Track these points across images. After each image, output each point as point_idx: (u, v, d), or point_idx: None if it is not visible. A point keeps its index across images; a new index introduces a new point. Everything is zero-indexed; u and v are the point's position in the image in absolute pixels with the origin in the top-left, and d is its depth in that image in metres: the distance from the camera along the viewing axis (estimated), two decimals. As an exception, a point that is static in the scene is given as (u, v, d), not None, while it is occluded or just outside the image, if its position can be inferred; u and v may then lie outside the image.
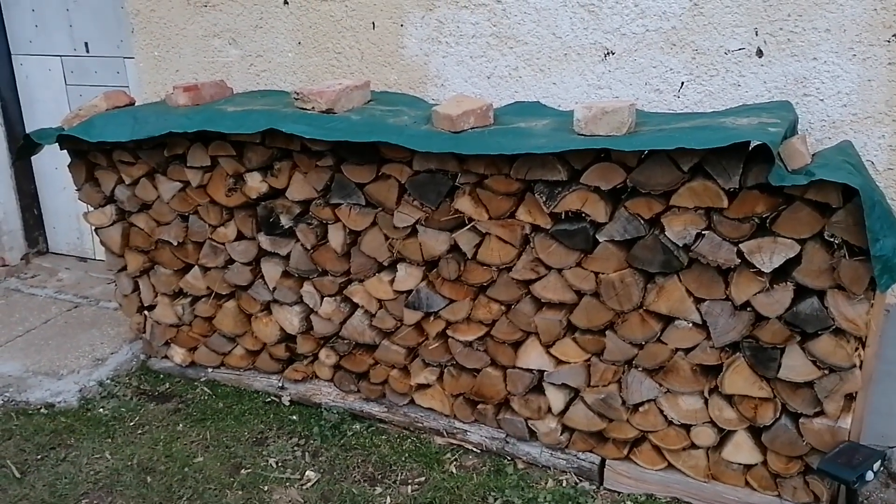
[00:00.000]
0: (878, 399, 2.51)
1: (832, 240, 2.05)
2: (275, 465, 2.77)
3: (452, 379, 2.76)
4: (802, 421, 2.27)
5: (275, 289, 2.95)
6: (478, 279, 2.54)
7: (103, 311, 3.89)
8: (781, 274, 2.15)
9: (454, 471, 2.71)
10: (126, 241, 3.19)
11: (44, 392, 3.21)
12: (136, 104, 3.16)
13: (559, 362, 2.54)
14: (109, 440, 2.93)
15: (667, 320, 2.35)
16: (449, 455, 2.79)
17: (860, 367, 2.16)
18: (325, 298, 2.88)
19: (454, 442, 2.85)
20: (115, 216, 3.15)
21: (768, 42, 2.49)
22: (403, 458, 2.78)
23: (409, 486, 2.64)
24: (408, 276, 2.67)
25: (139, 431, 2.99)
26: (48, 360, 3.43)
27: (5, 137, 4.30)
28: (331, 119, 2.57)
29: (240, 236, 2.95)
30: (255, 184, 2.80)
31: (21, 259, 4.48)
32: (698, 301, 2.27)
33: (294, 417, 3.04)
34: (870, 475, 2.14)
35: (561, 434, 2.64)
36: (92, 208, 3.18)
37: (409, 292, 2.68)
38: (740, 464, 2.42)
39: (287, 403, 3.13)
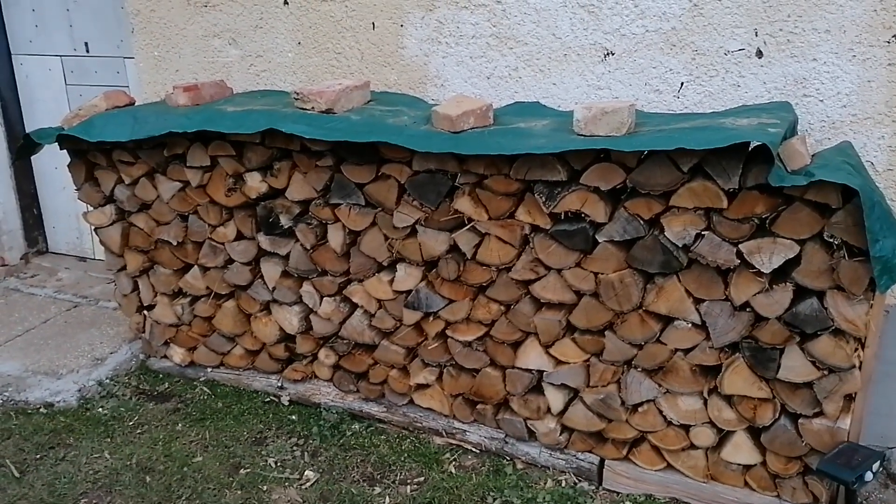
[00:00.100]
0: (878, 400, 2.51)
1: (832, 240, 2.05)
2: (274, 465, 2.76)
3: (452, 379, 2.76)
4: (802, 421, 2.27)
5: (274, 289, 2.95)
6: (477, 279, 2.54)
7: (103, 310, 3.89)
8: (781, 274, 2.15)
9: (453, 471, 2.71)
10: (125, 240, 3.19)
11: (43, 391, 3.21)
12: (136, 104, 3.16)
13: (558, 362, 2.54)
14: (108, 440, 2.93)
15: (666, 321, 2.35)
16: (448, 455, 2.79)
17: (859, 367, 2.16)
18: (324, 298, 2.88)
19: (453, 442, 2.85)
20: (115, 216, 3.15)
21: (768, 43, 2.49)
22: (402, 458, 2.78)
23: (408, 486, 2.64)
24: (407, 277, 2.67)
25: (138, 431, 2.99)
26: (47, 359, 3.43)
27: (5, 137, 4.30)
28: (330, 119, 2.57)
29: (239, 236, 2.95)
30: (255, 184, 2.80)
31: (20, 259, 4.48)
32: (698, 301, 2.27)
33: (293, 417, 3.04)
34: (869, 476, 2.14)
35: (560, 434, 2.64)
36: (91, 208, 3.18)
37: (408, 292, 2.68)
38: (739, 464, 2.42)
39: (286, 403, 3.13)
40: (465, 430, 2.83)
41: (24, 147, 3.09)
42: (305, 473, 2.72)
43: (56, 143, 3.01)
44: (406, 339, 2.78)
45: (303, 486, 2.66)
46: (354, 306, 2.86)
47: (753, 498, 2.43)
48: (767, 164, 2.02)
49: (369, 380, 2.95)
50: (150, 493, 2.63)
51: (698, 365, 2.35)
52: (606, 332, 2.42)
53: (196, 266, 3.10)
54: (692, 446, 2.46)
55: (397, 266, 2.69)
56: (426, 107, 2.80)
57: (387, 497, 2.59)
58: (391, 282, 2.70)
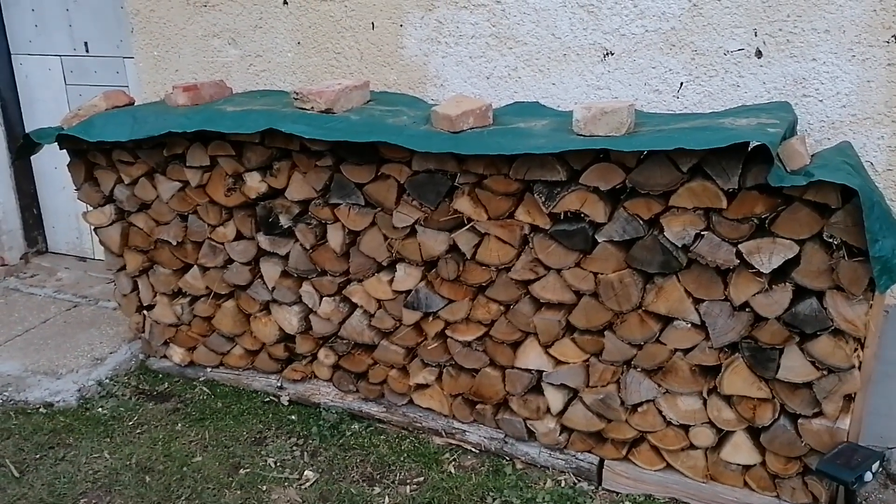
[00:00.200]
0: (877, 400, 2.51)
1: (831, 240, 2.04)
2: (273, 465, 2.76)
3: (451, 379, 2.76)
4: (801, 421, 2.27)
5: (274, 288, 2.95)
6: (477, 279, 2.54)
7: (102, 310, 3.89)
8: (780, 274, 2.15)
9: (453, 471, 2.71)
10: (125, 240, 3.19)
11: (43, 391, 3.21)
12: (136, 104, 3.16)
13: (558, 362, 2.54)
14: (108, 440, 2.93)
15: (666, 321, 2.35)
16: (447, 455, 2.79)
17: (859, 367, 2.16)
18: (324, 298, 2.88)
19: (453, 442, 2.85)
20: (115, 216, 3.15)
21: (767, 43, 2.49)
22: (402, 458, 2.78)
23: (408, 486, 2.64)
24: (407, 276, 2.67)
25: (138, 431, 2.99)
26: (47, 359, 3.43)
27: (5, 137, 4.30)
28: (330, 119, 2.57)
29: (239, 236, 2.95)
30: (255, 184, 2.80)
31: (20, 258, 4.48)
32: (697, 301, 2.27)
33: (293, 417, 3.04)
34: (868, 476, 2.13)
35: (560, 434, 2.64)
36: (91, 208, 3.18)
37: (408, 292, 2.68)
38: (739, 464, 2.41)
39: (286, 403, 3.13)
40: (464, 430, 2.83)
41: (23, 147, 3.09)
42: (305, 473, 2.72)
43: (56, 143, 3.01)
44: (405, 339, 2.78)
45: (302, 486, 2.66)
46: (354, 306, 2.86)
47: (753, 498, 2.43)
48: (767, 164, 2.02)
49: (369, 380, 2.95)
50: (150, 493, 2.63)
51: (698, 365, 2.35)
52: (606, 332, 2.42)
53: (196, 266, 3.10)
54: (692, 446, 2.46)
55: (397, 266, 2.69)
56: (426, 107, 2.80)
57: (386, 497, 2.59)
58: (391, 282, 2.70)
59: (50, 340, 3.60)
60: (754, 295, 2.17)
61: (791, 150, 2.06)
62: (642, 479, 2.57)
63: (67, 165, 3.15)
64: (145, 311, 3.33)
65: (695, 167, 2.13)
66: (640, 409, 2.48)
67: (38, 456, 2.84)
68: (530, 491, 2.59)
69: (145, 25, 3.53)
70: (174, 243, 3.06)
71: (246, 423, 3.02)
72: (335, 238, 2.74)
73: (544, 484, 2.63)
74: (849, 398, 2.22)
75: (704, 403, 2.38)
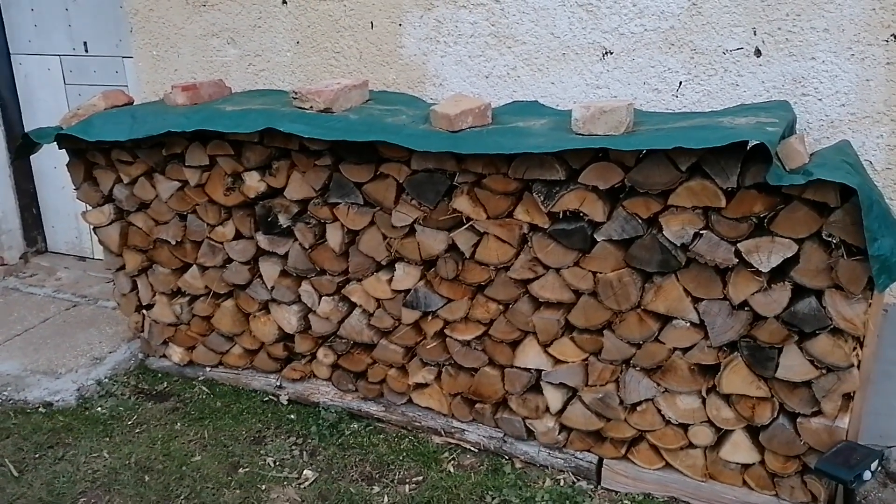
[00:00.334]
0: (876, 399, 2.51)
1: (830, 239, 2.04)
2: (273, 464, 2.77)
3: (450, 378, 2.76)
4: (800, 420, 2.27)
5: (273, 288, 2.95)
6: (476, 278, 2.54)
7: (102, 310, 3.89)
8: (779, 273, 2.15)
9: (452, 470, 2.71)
10: (124, 240, 3.19)
11: (42, 391, 3.21)
12: (135, 103, 3.16)
13: (557, 362, 2.54)
14: (107, 439, 2.93)
15: (665, 320, 2.35)
16: (447, 454, 2.79)
17: (858, 366, 2.16)
18: (323, 297, 2.88)
19: (452, 441, 2.85)
20: (114, 215, 3.15)
21: (766, 42, 2.49)
22: (401, 458, 2.78)
23: (407, 485, 2.64)
24: (406, 276, 2.67)
25: (137, 430, 2.99)
26: (46, 359, 3.43)
27: (4, 136, 4.30)
28: (329, 118, 2.57)
29: (238, 235, 2.95)
30: (254, 183, 2.80)
31: (20, 258, 4.48)
32: (696, 300, 2.27)
33: (292, 416, 3.04)
34: (867, 475, 2.13)
35: (559, 433, 2.64)
36: (90, 207, 3.18)
37: (407, 291, 2.68)
38: (738, 463, 2.42)
39: (285, 402, 3.13)
40: (463, 430, 2.83)
41: (22, 146, 3.09)
42: (304, 472, 2.72)
43: (55, 143, 3.01)
44: (405, 339, 2.78)
45: (301, 486, 2.66)
46: (353, 305, 2.86)
47: (752, 497, 2.43)
48: (766, 163, 2.02)
49: (368, 379, 2.95)
50: (149, 493, 2.63)
51: (697, 364, 2.35)
52: (605, 332, 2.42)
53: (195, 265, 3.10)
54: (691, 445, 2.46)
55: (396, 265, 2.69)
56: (425, 106, 2.80)
57: (385, 496, 2.59)
58: (390, 281, 2.70)
59: (49, 340, 3.60)
60: (753, 294, 2.17)
61: (790, 148, 2.05)
62: (641, 478, 2.57)
63: (66, 165, 3.15)
64: (144, 311, 3.33)
65: (694, 166, 2.13)
66: (639, 408, 2.47)
67: (37, 455, 2.84)
68: (529, 490, 2.59)
69: (144, 25, 3.53)
70: (173, 243, 3.06)
71: (245, 422, 3.02)
72: (334, 237, 2.74)
73: (543, 483, 2.63)
74: (848, 397, 2.22)
75: (703, 402, 2.38)
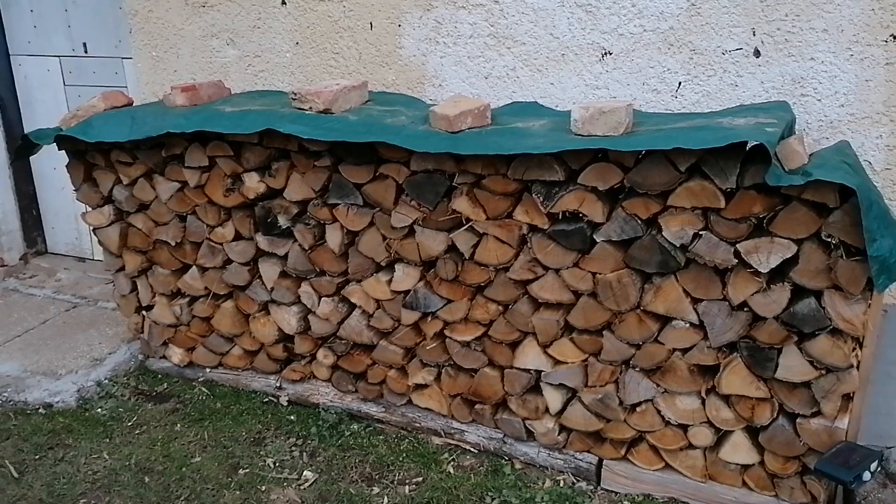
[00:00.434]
0: (876, 399, 2.51)
1: (829, 240, 2.04)
2: (272, 465, 2.77)
3: (450, 379, 2.76)
4: (800, 421, 2.27)
5: (272, 289, 2.95)
6: (475, 279, 2.54)
7: (101, 311, 3.89)
8: (778, 274, 2.15)
9: (452, 471, 2.71)
10: (124, 241, 3.19)
11: (42, 392, 3.21)
12: (134, 104, 3.16)
13: (557, 362, 2.54)
14: (107, 440, 2.93)
15: (664, 320, 2.35)
16: (446, 455, 2.79)
17: (857, 367, 2.16)
18: (322, 299, 2.88)
19: (452, 442, 2.85)
20: (114, 216, 3.15)
21: (766, 42, 2.49)
22: (401, 459, 2.78)
23: (407, 486, 2.64)
24: (405, 277, 2.67)
25: (137, 431, 2.99)
26: (46, 360, 3.43)
27: (4, 138, 4.30)
28: (328, 119, 2.57)
29: (238, 236, 2.95)
30: (253, 184, 2.80)
31: (20, 259, 4.48)
32: (695, 301, 2.27)
33: (292, 417, 3.04)
34: (867, 475, 2.13)
35: (558, 434, 2.64)
36: (90, 208, 3.18)
37: (406, 292, 2.68)
38: (737, 464, 2.41)
39: (285, 403, 3.13)
40: (463, 431, 2.83)
41: (22, 147, 3.09)
42: (304, 474, 2.72)
43: (54, 144, 3.01)
44: (404, 340, 2.78)
45: (301, 487, 2.66)
46: (353, 306, 2.86)
47: (751, 498, 2.43)
48: (765, 163, 2.02)
49: (368, 380, 2.95)
50: (149, 494, 2.63)
51: (696, 365, 2.35)
52: (604, 332, 2.42)
53: (194, 266, 3.10)
54: (690, 446, 2.46)
55: (395, 266, 2.69)
56: (424, 107, 2.80)
57: (385, 497, 2.59)
58: (389, 282, 2.70)
59: (49, 341, 3.60)
60: (752, 294, 2.17)
61: (789, 149, 2.05)
62: (641, 479, 2.57)
63: (66, 166, 3.15)
64: (144, 312, 3.33)
65: (693, 167, 2.13)
66: (638, 409, 2.47)
67: (37, 456, 2.84)
68: (529, 491, 2.59)
69: (144, 26, 3.53)
70: (173, 244, 3.06)
71: (245, 423, 3.02)
72: (334, 238, 2.74)
73: (543, 484, 2.63)
74: (847, 397, 2.22)
75: (703, 403, 2.38)
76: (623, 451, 2.58)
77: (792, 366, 2.20)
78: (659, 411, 2.44)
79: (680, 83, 2.64)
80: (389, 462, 2.76)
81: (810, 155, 2.13)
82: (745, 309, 2.21)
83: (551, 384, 2.57)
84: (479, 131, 2.41)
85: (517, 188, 2.38)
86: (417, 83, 3.05)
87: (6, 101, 4.28)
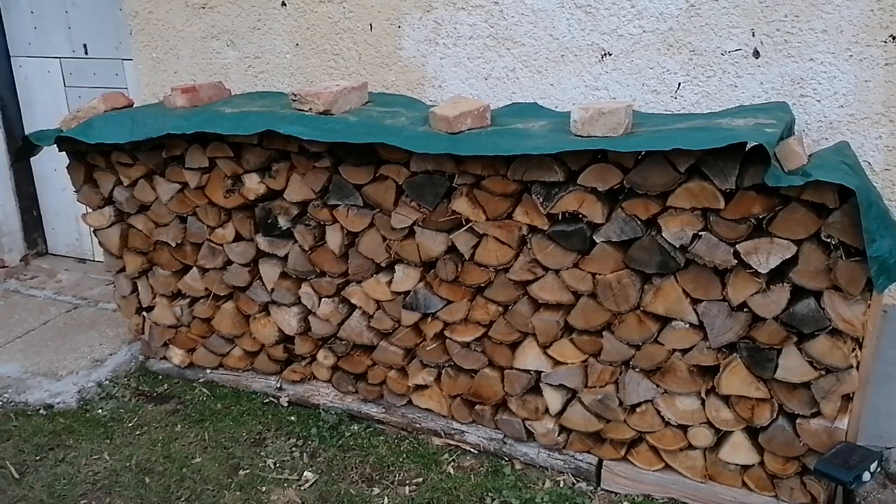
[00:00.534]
0: (876, 400, 2.51)
1: (829, 240, 2.04)
2: (273, 466, 2.77)
3: (450, 380, 2.76)
4: (799, 422, 2.27)
5: (273, 290, 2.96)
6: (475, 280, 2.54)
7: (102, 312, 3.89)
8: (778, 275, 2.15)
9: (452, 471, 2.71)
10: (124, 242, 3.20)
11: (42, 393, 3.21)
12: (135, 106, 3.16)
13: (556, 363, 2.54)
14: (108, 441, 2.94)
15: (664, 321, 2.35)
16: (447, 456, 2.79)
17: (857, 367, 2.16)
18: (323, 299, 2.88)
19: (452, 443, 2.85)
20: (114, 217, 3.16)
21: (765, 43, 2.50)
22: (401, 459, 2.78)
23: (407, 487, 2.65)
24: (405, 278, 2.67)
25: (138, 432, 2.99)
26: (47, 361, 3.44)
27: (4, 139, 4.31)
28: (328, 120, 2.58)
29: (238, 237, 2.95)
30: (253, 185, 2.80)
31: (20, 260, 4.48)
32: (695, 302, 2.27)
33: (292, 418, 3.05)
34: (867, 476, 2.13)
35: (558, 435, 2.65)
36: (90, 210, 3.19)
37: (406, 293, 2.69)
38: (737, 464, 2.42)
39: (285, 404, 3.13)
40: (463, 431, 2.83)
41: (23, 149, 3.09)
42: (304, 474, 2.72)
43: (55, 145, 3.01)
44: (404, 340, 2.78)
45: (302, 487, 2.66)
46: (353, 307, 2.87)
47: (751, 498, 2.43)
48: (764, 164, 2.02)
49: (368, 381, 2.95)
50: (150, 495, 2.63)
51: (696, 365, 2.35)
52: (604, 333, 2.42)
53: (195, 267, 3.10)
54: (690, 447, 2.46)
55: (395, 267, 2.69)
56: (424, 108, 2.80)
57: (385, 498, 2.59)
58: (389, 283, 2.71)
59: (50, 342, 3.61)
60: (752, 295, 2.17)
61: (788, 150, 2.06)
62: (641, 480, 2.57)
63: (67, 167, 3.16)
64: (145, 313, 3.33)
65: (692, 167, 2.13)
66: (638, 410, 2.48)
67: (37, 457, 2.84)
68: (529, 491, 2.59)
69: (144, 27, 3.54)
70: (173, 245, 3.07)
71: (245, 424, 3.02)
72: (334, 239, 2.74)
73: (543, 484, 2.64)
74: (847, 398, 2.22)
75: (703, 404, 2.38)
76: (623, 452, 2.59)
77: (791, 366, 2.20)
78: (659, 412, 2.44)
79: (679, 84, 2.64)
80: (390, 463, 2.77)
81: (810, 155, 2.13)
82: (745, 309, 2.21)
83: (551, 385, 2.57)
84: (479, 132, 2.41)
85: (517, 189, 2.38)
86: (417, 84, 3.06)
87: (7, 103, 4.29)
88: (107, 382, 3.31)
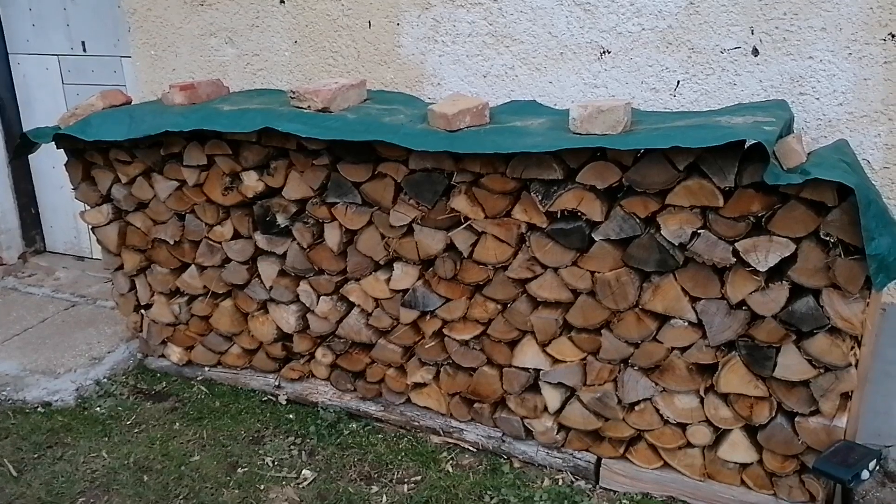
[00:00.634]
0: (874, 398, 2.51)
1: (828, 238, 2.04)
2: (271, 464, 2.77)
3: (449, 378, 2.76)
4: (798, 420, 2.27)
5: (271, 288, 2.95)
6: (474, 278, 2.54)
7: (100, 309, 3.89)
8: (777, 273, 2.15)
9: (450, 470, 2.71)
10: (123, 239, 3.19)
11: (41, 391, 3.21)
12: (133, 103, 3.16)
13: (555, 361, 2.54)
14: (106, 439, 2.93)
15: (662, 319, 2.35)
16: (445, 454, 2.79)
17: (856, 366, 2.16)
18: (321, 297, 2.88)
19: (450, 441, 2.85)
20: (112, 215, 3.15)
21: (764, 41, 2.49)
22: (400, 457, 2.78)
23: (406, 485, 2.64)
24: (404, 275, 2.67)
25: (136, 430, 2.99)
26: (45, 358, 3.43)
27: (3, 136, 4.30)
28: (327, 118, 2.57)
29: (236, 235, 2.95)
30: (252, 182, 2.80)
31: (18, 258, 4.48)
32: (694, 300, 2.27)
33: (290, 416, 3.04)
34: (865, 474, 2.13)
35: (557, 433, 2.64)
36: (89, 207, 3.18)
37: (405, 291, 2.68)
38: (736, 463, 2.42)
39: (284, 402, 3.13)
40: (462, 429, 2.83)
41: (21, 146, 3.09)
42: (303, 472, 2.72)
43: (53, 143, 3.01)
44: (403, 338, 2.78)
45: (300, 485, 2.66)
46: (351, 305, 2.86)
47: (750, 496, 2.43)
48: (763, 162, 2.01)
49: (366, 379, 2.95)
50: (148, 493, 2.63)
51: (695, 363, 2.35)
52: (603, 331, 2.42)
53: (193, 265, 3.10)
54: (689, 445, 2.46)
55: (394, 265, 2.68)
56: (422, 105, 2.80)
57: (384, 496, 2.59)
58: (388, 281, 2.70)
59: (48, 340, 3.60)
60: (751, 293, 2.17)
61: (787, 148, 2.05)
62: (639, 478, 2.57)
63: (65, 165, 3.15)
64: (143, 311, 3.33)
65: (691, 165, 2.13)
66: (637, 408, 2.47)
67: (36, 455, 2.84)
68: (528, 489, 2.59)
69: (142, 24, 3.53)
70: (171, 242, 3.06)
71: (244, 422, 3.02)
72: (332, 237, 2.74)
73: (542, 482, 2.63)
74: (846, 396, 2.22)
75: (701, 402, 2.38)
76: (622, 450, 2.58)
77: (790, 364, 2.20)
78: (657, 410, 2.44)
79: (678, 82, 2.64)
80: (388, 461, 2.76)
81: (809, 153, 2.13)
82: (744, 307, 2.21)
83: (550, 383, 2.57)
84: (478, 130, 2.41)
85: (516, 187, 2.38)
86: (416, 82, 3.05)
87: (5, 100, 4.28)
88: (105, 380, 3.31)
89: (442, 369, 2.78)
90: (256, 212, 2.85)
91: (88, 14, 3.94)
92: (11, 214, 4.41)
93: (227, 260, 3.01)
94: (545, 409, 2.63)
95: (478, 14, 2.85)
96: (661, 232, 2.21)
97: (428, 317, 2.69)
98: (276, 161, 2.74)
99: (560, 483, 2.63)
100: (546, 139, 2.26)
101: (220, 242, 2.98)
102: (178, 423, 3.02)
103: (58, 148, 3.08)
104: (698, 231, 2.18)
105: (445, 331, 2.68)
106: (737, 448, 2.39)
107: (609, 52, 2.70)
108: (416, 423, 2.91)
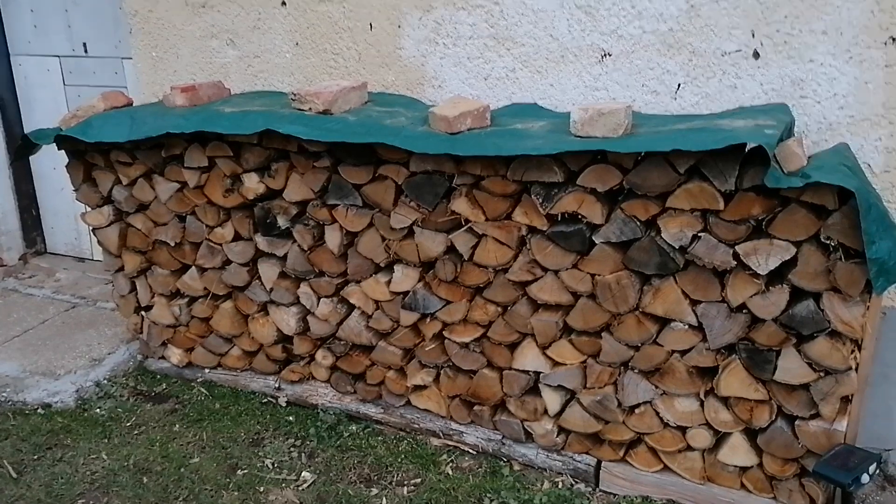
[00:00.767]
0: (875, 401, 2.51)
1: (828, 242, 2.04)
2: (271, 466, 2.76)
3: (449, 380, 2.76)
4: (798, 423, 2.26)
5: (272, 290, 2.95)
6: (474, 280, 2.54)
7: (101, 311, 3.89)
8: (777, 276, 2.15)
9: (450, 472, 2.71)
10: (123, 241, 3.19)
11: (41, 392, 3.21)
12: (134, 105, 3.16)
13: (555, 364, 2.54)
14: (106, 440, 2.93)
15: (663, 322, 2.35)
16: (445, 456, 2.79)
17: (856, 369, 2.16)
18: (321, 299, 2.88)
19: (450, 443, 2.85)
20: (113, 216, 3.15)
21: (765, 44, 2.49)
22: (399, 460, 2.78)
23: (405, 488, 2.64)
24: (404, 278, 2.67)
25: (136, 432, 2.99)
26: (45, 360, 3.43)
27: (4, 138, 4.30)
28: (328, 120, 2.57)
29: (237, 237, 2.95)
30: (253, 184, 2.80)
31: (19, 259, 4.48)
32: (694, 303, 2.27)
33: (290, 418, 3.04)
34: (865, 478, 2.13)
35: (557, 436, 2.64)
36: (89, 209, 3.18)
37: (405, 293, 2.68)
38: (736, 466, 2.41)
39: (283, 404, 3.13)
40: (462, 432, 2.83)
41: (22, 148, 3.09)
42: (302, 475, 2.72)
43: (54, 144, 3.01)
44: (403, 341, 2.78)
45: (300, 488, 2.65)
46: (352, 307, 2.86)
47: (750, 500, 2.42)
48: (764, 165, 2.01)
49: (366, 381, 2.95)
50: (148, 494, 2.63)
51: (695, 366, 2.35)
52: (603, 334, 2.42)
53: (194, 267, 3.10)
54: (689, 448, 2.46)
55: (394, 267, 2.69)
56: (423, 108, 2.80)
57: (384, 498, 2.59)
58: (388, 283, 2.70)
59: (48, 341, 3.61)
60: (751, 296, 2.17)
61: (788, 151, 2.05)
62: (639, 481, 2.56)
63: (66, 166, 3.15)
64: (143, 312, 3.33)
65: (692, 169, 2.13)
66: (637, 411, 2.47)
67: (35, 457, 2.84)
68: (528, 492, 2.59)
69: (144, 26, 3.54)
70: (172, 244, 3.07)
71: (244, 424, 3.02)
72: (333, 239, 2.74)
73: (542, 485, 2.63)
74: (846, 400, 2.22)
75: (702, 405, 2.38)
76: (621, 453, 2.58)
77: (791, 368, 2.20)
78: (657, 413, 2.44)
79: (679, 85, 2.64)
80: (388, 463, 2.76)
81: (809, 157, 2.13)
82: (744, 311, 2.21)
83: (550, 385, 2.57)
84: (479, 132, 2.41)
85: (516, 189, 2.38)
86: (417, 84, 3.05)
87: (6, 101, 4.28)
88: (105, 382, 3.31)
89: (442, 372, 2.78)
90: (257, 214, 2.85)
91: (90, 15, 3.95)
92: (12, 216, 4.42)
93: (228, 262, 3.01)
94: (545, 411, 2.62)
95: (479, 16, 2.86)
96: (662, 235, 2.21)
97: (428, 319, 2.69)
98: (277, 163, 2.74)
99: (560, 486, 2.63)
100: (547, 142, 2.26)
101: (220, 244, 2.98)
102: (177, 425, 3.02)
103: (59, 149, 3.08)
104: (699, 234, 2.17)
105: (446, 333, 2.68)
106: (737, 451, 2.38)
107: (610, 55, 2.70)
108: (416, 426, 2.91)
